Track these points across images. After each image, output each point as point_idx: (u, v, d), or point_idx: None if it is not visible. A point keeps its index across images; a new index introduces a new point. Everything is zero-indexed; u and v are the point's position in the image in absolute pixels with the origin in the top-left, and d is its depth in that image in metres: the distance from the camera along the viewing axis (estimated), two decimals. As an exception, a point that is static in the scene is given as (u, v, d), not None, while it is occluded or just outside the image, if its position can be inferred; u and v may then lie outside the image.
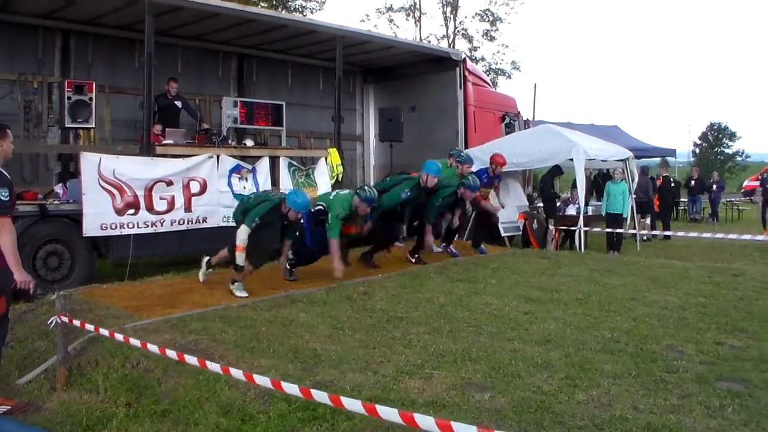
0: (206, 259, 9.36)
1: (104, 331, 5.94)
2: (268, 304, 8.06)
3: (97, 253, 10.57)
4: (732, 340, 7.03)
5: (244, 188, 11.64)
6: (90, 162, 10.04)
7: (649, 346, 6.74)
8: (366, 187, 10.18)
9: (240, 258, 8.62)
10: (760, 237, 17.01)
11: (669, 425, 4.80)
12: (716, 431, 4.76)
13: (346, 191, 10.21)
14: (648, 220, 19.33)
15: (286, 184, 12.24)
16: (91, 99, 11.12)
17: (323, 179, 12.84)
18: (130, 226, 10.27)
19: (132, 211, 10.28)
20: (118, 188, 10.20)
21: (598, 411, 5.05)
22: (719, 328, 7.50)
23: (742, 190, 32.62)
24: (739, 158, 67.36)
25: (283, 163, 12.47)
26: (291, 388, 4.27)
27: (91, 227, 9.99)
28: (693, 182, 27.31)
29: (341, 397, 4.03)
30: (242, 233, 8.59)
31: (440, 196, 11.27)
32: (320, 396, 4.13)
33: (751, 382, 5.74)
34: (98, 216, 10.04)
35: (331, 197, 10.07)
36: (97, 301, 8.09)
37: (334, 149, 13.34)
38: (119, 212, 10.22)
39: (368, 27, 42.69)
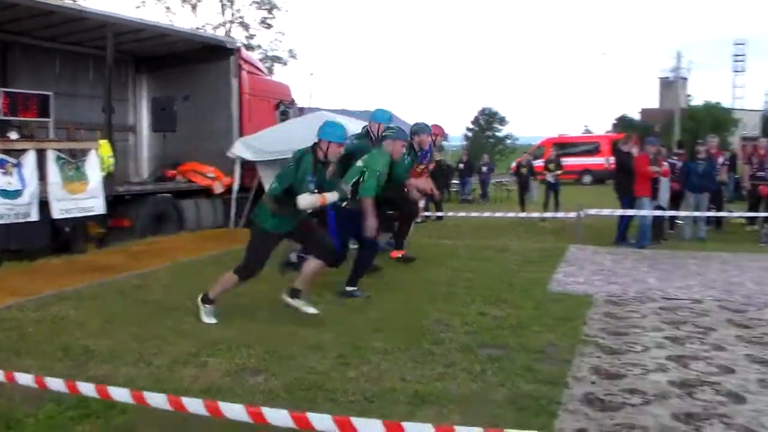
0: (200, 297, 7.43)
1: None
2: (35, 304, 7.80)
3: None
4: (494, 311, 7.58)
5: (9, 183, 11.07)
6: None
7: (419, 322, 7.15)
8: (391, 126, 9.19)
9: (331, 196, 7.37)
10: (522, 214, 18.23)
11: (435, 392, 5.14)
12: (477, 393, 5.16)
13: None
14: (422, 203, 20.01)
15: (54, 178, 11.77)
16: None
17: (94, 172, 12.46)
18: None
19: None
20: None
21: (369, 385, 5.32)
22: (483, 300, 8.07)
23: (511, 171, 34.48)
24: (508, 141, 70.99)
25: (51, 156, 11.93)
26: (55, 383, 4.19)
27: None
28: (462, 165, 28.55)
29: (108, 387, 4.02)
30: (308, 200, 7.10)
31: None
32: (86, 388, 4.08)
33: (509, 347, 6.29)
34: None
35: (362, 161, 8.72)
36: None
37: (105, 141, 12.96)
38: None
39: (143, 14, 41.49)
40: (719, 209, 16.81)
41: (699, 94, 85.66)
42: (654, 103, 76.53)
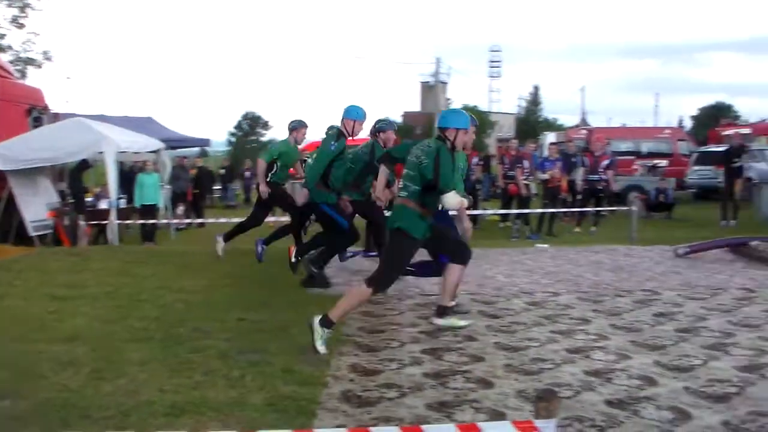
0: (317, 319, 6.24)
1: None
2: None
3: None
4: (254, 315, 7.53)
5: None
6: None
7: (176, 330, 6.97)
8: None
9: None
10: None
11: (194, 401, 5.03)
12: (236, 399, 5.11)
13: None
14: (181, 209, 19.68)
15: None
16: None
17: None
18: None
19: None
20: None
21: (125, 399, 5.12)
22: (243, 306, 7.99)
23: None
24: (272, 146, 71.77)
25: None
26: None
27: None
28: (224, 170, 28.63)
29: None
30: (455, 200, 6.48)
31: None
32: None
33: (267, 351, 6.23)
34: None
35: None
36: None
37: None
38: None
39: None
40: (475, 207, 17.71)
41: (458, 97, 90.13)
42: (416, 106, 79.73)
